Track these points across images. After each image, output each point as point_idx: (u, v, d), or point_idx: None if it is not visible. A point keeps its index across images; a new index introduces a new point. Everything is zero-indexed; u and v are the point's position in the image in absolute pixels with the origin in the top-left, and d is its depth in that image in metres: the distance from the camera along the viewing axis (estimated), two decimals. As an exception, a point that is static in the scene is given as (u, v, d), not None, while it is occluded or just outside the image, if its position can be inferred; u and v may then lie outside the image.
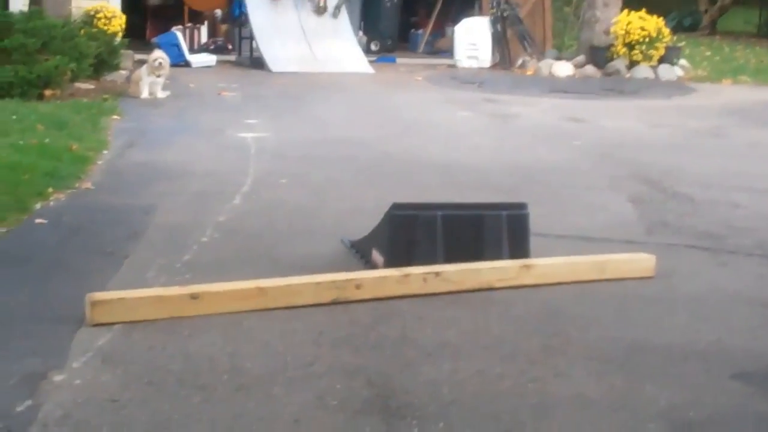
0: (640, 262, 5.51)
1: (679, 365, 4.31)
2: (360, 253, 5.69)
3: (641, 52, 17.39)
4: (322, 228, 6.44)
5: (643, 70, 17.39)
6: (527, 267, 5.28)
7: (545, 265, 5.34)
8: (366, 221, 6.14)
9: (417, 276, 5.08)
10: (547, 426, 3.67)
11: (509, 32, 18.56)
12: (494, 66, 18.45)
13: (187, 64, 16.38)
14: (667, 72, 17.52)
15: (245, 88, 14.39)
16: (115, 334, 4.47)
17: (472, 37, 18.28)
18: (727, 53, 22.26)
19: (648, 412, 3.81)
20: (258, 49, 17.21)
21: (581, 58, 18.10)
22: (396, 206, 5.37)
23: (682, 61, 18.43)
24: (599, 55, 17.79)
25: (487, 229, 5.38)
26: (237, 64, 17.83)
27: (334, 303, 4.93)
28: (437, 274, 5.11)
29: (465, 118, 12.14)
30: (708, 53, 21.64)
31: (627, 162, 9.27)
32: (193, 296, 4.74)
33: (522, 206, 5.54)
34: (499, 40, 18.52)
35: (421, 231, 5.30)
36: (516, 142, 10.39)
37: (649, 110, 13.58)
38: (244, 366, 4.17)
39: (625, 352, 4.45)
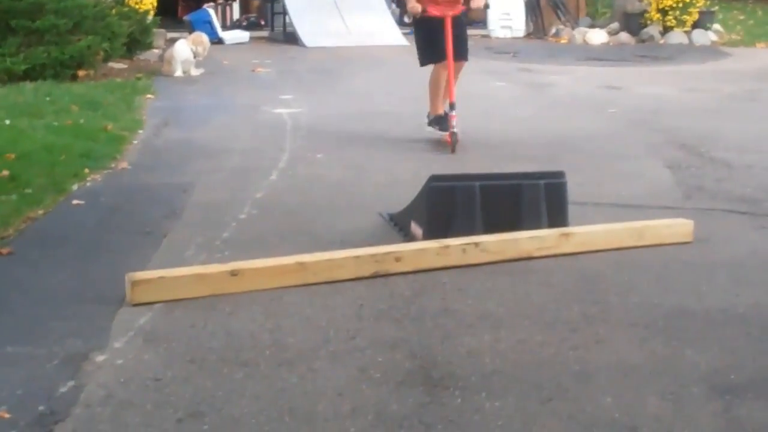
0: (678, 228, 5.49)
1: (719, 329, 4.30)
2: (399, 226, 5.70)
3: (675, 17, 17.26)
4: (360, 202, 6.45)
5: (677, 36, 17.26)
6: (566, 235, 5.27)
7: (584, 233, 5.33)
8: (404, 194, 6.15)
9: (456, 247, 5.08)
10: (589, 393, 3.67)
11: (543, 1, 18.44)
12: (528, 35, 18.37)
13: (220, 41, 16.33)
14: (701, 37, 17.38)
15: (279, 63, 14.40)
16: (155, 314, 4.49)
17: (506, 6, 18.16)
18: (760, 17, 22.00)
19: (689, 376, 3.80)
20: (291, 24, 17.19)
21: (615, 25, 17.98)
22: (434, 178, 5.37)
23: (716, 26, 18.28)
24: (633, 22, 17.67)
25: (525, 198, 5.37)
26: (270, 39, 17.84)
27: (375, 276, 4.94)
28: (476, 244, 5.11)
29: (500, 88, 12.11)
30: (741, 17, 21.40)
31: (663, 128, 9.21)
32: (233, 273, 4.76)
33: (560, 175, 5.53)
34: (533, 9, 18.43)
35: (459, 202, 5.30)
36: (552, 112, 10.35)
37: (684, 76, 13.49)
38: (286, 341, 4.19)
39: (665, 317, 4.44)
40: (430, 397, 3.66)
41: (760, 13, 22.45)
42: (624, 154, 7.98)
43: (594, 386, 3.74)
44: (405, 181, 6.84)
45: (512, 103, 10.93)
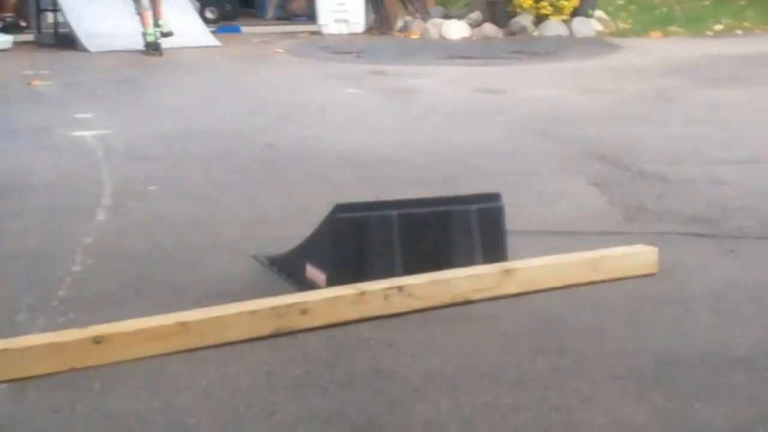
0: (641, 257, 5.63)
1: (725, 376, 4.41)
2: (286, 271, 5.68)
3: (550, 3, 17.72)
4: (222, 244, 6.40)
5: (555, 26, 17.73)
6: (508, 272, 5.34)
7: (529, 269, 5.41)
8: (276, 231, 6.16)
9: (376, 293, 5.09)
10: (594, 464, 3.72)
11: (384, -12, 18.70)
12: (369, 30, 18.61)
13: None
14: (583, 26, 17.90)
15: (61, 74, 14.25)
16: (2, 397, 4.36)
17: (340, -4, 18.36)
18: (643, 1, 22.75)
19: (709, 436, 3.89)
20: (66, 23, 16.97)
21: (476, 15, 18.34)
22: (340, 208, 5.36)
23: (598, 13, 18.81)
24: (498, 11, 18.06)
25: (454, 228, 5.41)
26: (39, 44, 17.64)
27: (276, 335, 4.90)
28: (400, 289, 5.13)
29: (354, 97, 12.21)
30: (621, 2, 22.06)
31: (571, 138, 9.44)
32: (97, 340, 4.66)
33: (495, 197, 5.61)
34: (374, -1, 18.65)
35: (373, 237, 5.31)
36: (428, 123, 10.48)
37: (575, 74, 13.86)
38: (188, 423, 4.12)
39: (653, 365, 4.53)
40: (397, 482, 3.65)
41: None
42: (536, 170, 8.15)
43: (596, 455, 3.79)
44: (273, 215, 6.85)
45: (375, 114, 11.03)
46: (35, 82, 13.52)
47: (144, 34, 16.47)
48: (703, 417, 4.05)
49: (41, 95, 12.79)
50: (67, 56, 16.05)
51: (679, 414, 4.09)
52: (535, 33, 17.77)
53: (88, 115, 10.99)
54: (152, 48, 16.40)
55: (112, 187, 7.87)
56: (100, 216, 7.09)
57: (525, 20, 17.87)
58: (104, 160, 8.84)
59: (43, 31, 18.14)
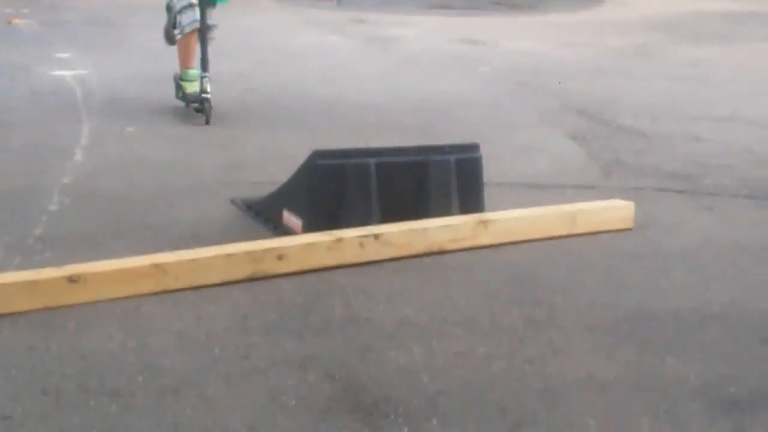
0: (618, 211, 5.64)
1: (698, 333, 4.43)
2: (263, 215, 5.67)
3: (534, -45, 17.63)
4: (200, 187, 6.39)
5: (537, -21, 17.66)
6: (484, 223, 5.34)
7: (505, 220, 5.41)
8: (254, 175, 6.15)
9: (352, 240, 5.08)
10: (565, 415, 3.73)
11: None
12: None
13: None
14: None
15: (41, 13, 14.16)
16: (-23, 335, 4.35)
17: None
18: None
19: (680, 391, 3.90)
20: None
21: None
22: (318, 154, 5.35)
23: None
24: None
25: (432, 178, 5.40)
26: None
27: (252, 279, 4.89)
28: (376, 237, 5.12)
29: (335, 44, 12.17)
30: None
31: (551, 91, 9.43)
32: (73, 279, 4.64)
33: (473, 148, 5.60)
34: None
35: (350, 184, 5.30)
36: (408, 72, 10.45)
37: (555, 27, 13.86)
38: (161, 364, 4.11)
39: (627, 320, 4.54)
40: (368, 428, 3.65)
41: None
42: (516, 122, 8.14)
43: (568, 407, 3.79)
44: (251, 159, 6.82)
45: (358, 62, 11.00)
46: (15, 20, 13.41)
47: (182, 80, 8.63)
48: (674, 373, 4.06)
49: (21, 33, 12.71)
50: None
51: (651, 369, 4.10)
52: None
53: (67, 55, 10.92)
54: (195, 104, 8.34)
55: (89, 128, 7.83)
56: (78, 156, 7.06)
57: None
58: (83, 100, 8.80)
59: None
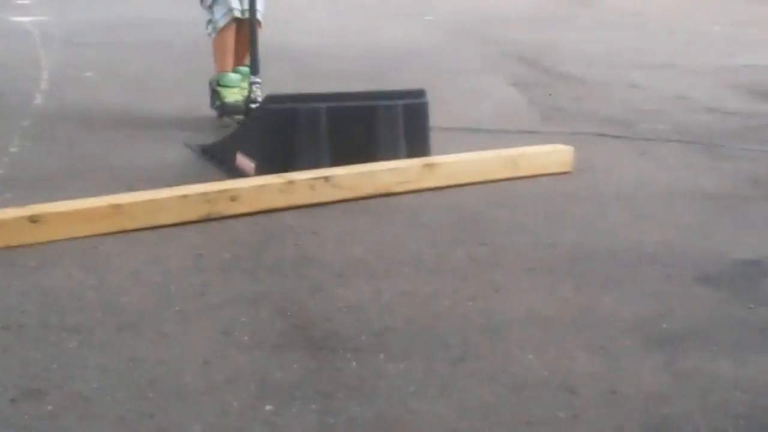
0: (558, 155, 5.66)
1: (633, 272, 4.45)
2: (217, 158, 5.65)
3: None
4: (156, 131, 6.36)
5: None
6: (430, 166, 5.34)
7: (450, 163, 5.42)
8: (208, 121, 6.10)
9: (303, 182, 5.08)
10: (506, 350, 3.74)
11: None
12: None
13: None
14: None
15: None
16: (-61, 270, 4.33)
17: None
18: None
19: (616, 327, 3.93)
20: None
21: None
22: (270, 99, 5.33)
23: None
24: None
25: (380, 122, 5.40)
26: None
27: (206, 220, 4.88)
28: (326, 179, 5.12)
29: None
30: None
31: (495, 39, 9.43)
32: (33, 219, 4.61)
33: (420, 94, 5.60)
34: None
35: (301, 128, 5.28)
36: (356, 20, 10.44)
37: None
38: (119, 301, 4.10)
39: (566, 259, 4.56)
40: (317, 362, 3.66)
41: None
42: (461, 69, 8.14)
43: (508, 342, 3.81)
44: (206, 103, 6.78)
45: (305, 10, 10.93)
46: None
47: (219, 86, 6.92)
48: (610, 309, 4.09)
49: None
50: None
51: (588, 306, 4.13)
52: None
53: (26, 1, 10.78)
54: (237, 115, 6.60)
55: (49, 72, 7.77)
56: (38, 100, 7.01)
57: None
58: (42, 45, 8.71)
59: None
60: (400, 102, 5.46)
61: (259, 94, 6.20)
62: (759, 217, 5.12)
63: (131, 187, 5.13)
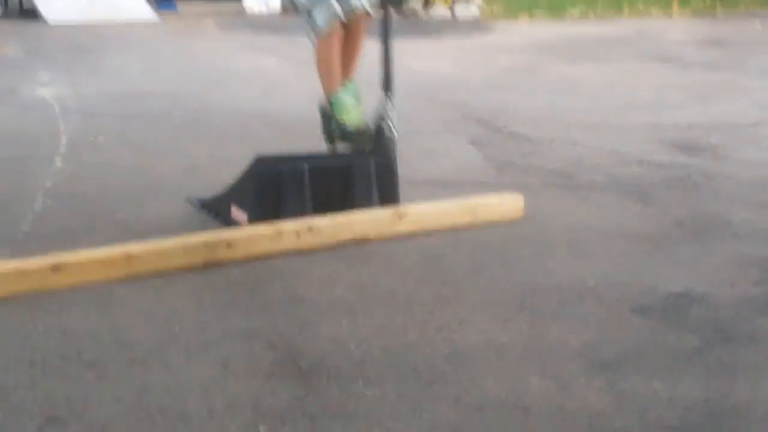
0: (510, 203, 5.65)
1: (576, 304, 4.45)
2: (214, 211, 5.63)
3: (438, -9, 17.64)
4: (160, 189, 6.33)
5: (440, 10, 17.71)
6: (400, 215, 5.34)
7: (418, 212, 5.41)
8: (205, 179, 6.10)
9: (290, 231, 5.07)
10: (468, 374, 3.74)
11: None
12: (285, 10, 18.39)
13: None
14: (464, 11, 17.89)
15: (26, 42, 13.93)
16: (-27, 315, 4.29)
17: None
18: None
19: (563, 354, 3.93)
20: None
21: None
22: (260, 159, 5.33)
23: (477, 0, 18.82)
24: (393, -5, 17.93)
25: (356, 177, 5.40)
26: (5, 17, 17.18)
27: (206, 265, 4.86)
28: (310, 228, 5.11)
29: (273, 66, 12.10)
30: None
31: (453, 104, 9.43)
32: (55, 268, 4.59)
33: (389, 152, 5.58)
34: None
35: (287, 184, 5.28)
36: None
37: (455, 50, 13.84)
38: (132, 338, 4.08)
39: (519, 295, 4.56)
40: (305, 389, 3.65)
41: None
42: (424, 131, 8.13)
43: (471, 368, 3.81)
44: (203, 166, 6.78)
45: (288, 79, 10.97)
46: (4, 50, 13.22)
47: (333, 105, 5.97)
48: (558, 339, 4.09)
49: (9, 60, 12.51)
50: (31, 28, 15.70)
51: (540, 336, 4.13)
52: (424, 16, 17.71)
53: (48, 78, 10.76)
54: (354, 138, 5.76)
55: (68, 139, 7.74)
56: (58, 163, 6.97)
57: (416, 4, 17.83)
58: (61, 115, 8.67)
59: (9, 6, 17.73)
60: (372, 160, 5.46)
61: (393, 119, 5.18)
62: (685, 254, 5.13)
63: (141, 238, 5.10)
